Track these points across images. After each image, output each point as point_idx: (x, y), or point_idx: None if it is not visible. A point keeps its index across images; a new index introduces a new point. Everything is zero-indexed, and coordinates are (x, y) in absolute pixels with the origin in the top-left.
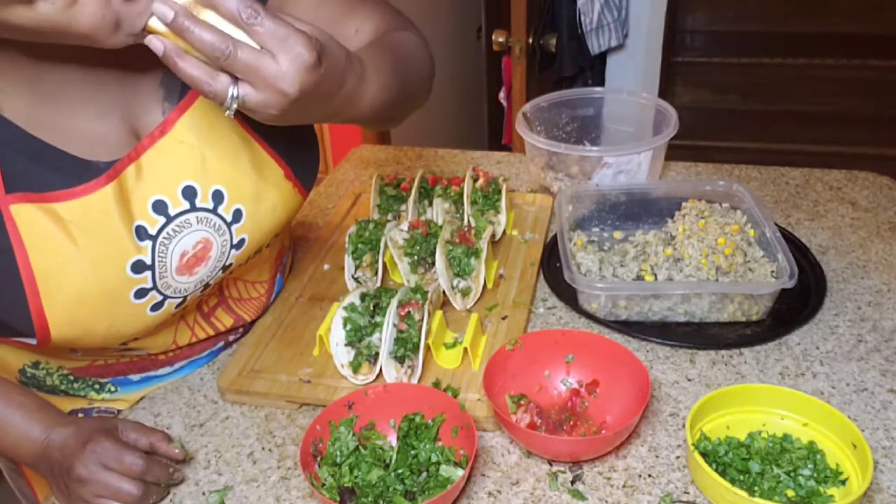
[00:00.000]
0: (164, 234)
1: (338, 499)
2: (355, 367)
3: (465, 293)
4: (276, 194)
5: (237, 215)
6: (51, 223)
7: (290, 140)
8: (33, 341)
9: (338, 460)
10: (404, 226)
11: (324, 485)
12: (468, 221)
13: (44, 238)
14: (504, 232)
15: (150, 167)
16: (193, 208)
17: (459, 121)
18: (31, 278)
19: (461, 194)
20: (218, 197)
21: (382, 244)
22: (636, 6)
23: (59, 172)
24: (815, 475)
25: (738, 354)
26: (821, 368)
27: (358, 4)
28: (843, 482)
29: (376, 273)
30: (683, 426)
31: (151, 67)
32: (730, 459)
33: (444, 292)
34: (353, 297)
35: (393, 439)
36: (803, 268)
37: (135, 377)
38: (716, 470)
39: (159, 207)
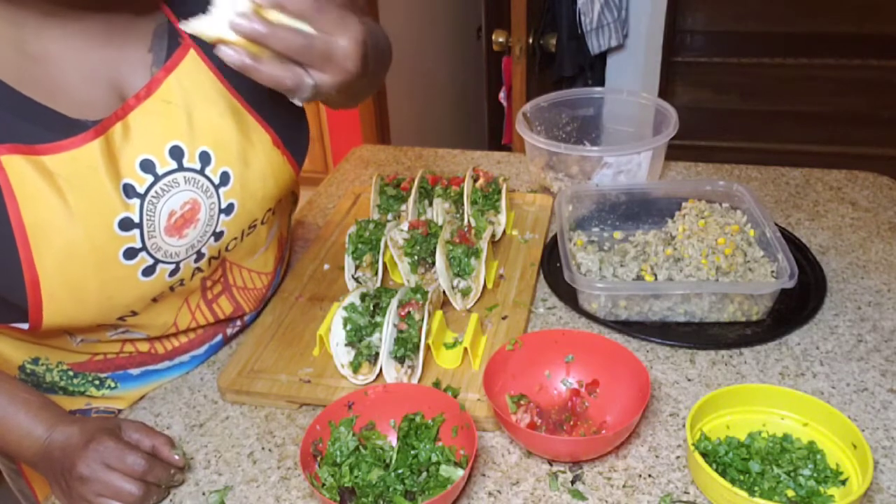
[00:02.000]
0: (152, 192)
1: (338, 499)
2: (355, 367)
3: (465, 293)
4: (264, 161)
5: (225, 178)
6: (39, 177)
7: (275, 107)
8: (25, 325)
9: (338, 460)
10: (404, 226)
11: (324, 485)
12: (468, 221)
13: (33, 191)
14: (504, 232)
15: (137, 127)
16: (181, 168)
17: (459, 121)
18: (22, 231)
19: (461, 194)
20: (205, 158)
21: (382, 244)
22: (636, 6)
23: (46, 128)
24: (815, 475)
25: (738, 354)
26: (821, 368)
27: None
28: (843, 482)
29: (376, 273)
30: (683, 426)
31: (140, 34)
32: (730, 459)
33: (444, 292)
34: (353, 297)
35: (393, 439)
36: (803, 268)
37: (134, 371)
38: (716, 470)
39: (147, 166)
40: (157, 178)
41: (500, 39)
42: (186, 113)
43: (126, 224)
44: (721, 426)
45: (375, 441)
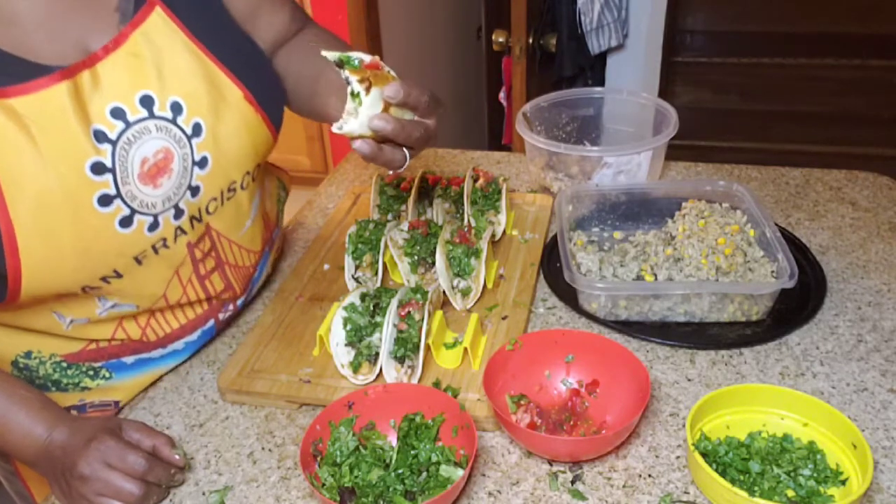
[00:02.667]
0: (123, 139)
1: (338, 499)
2: (355, 367)
3: (465, 293)
4: (237, 116)
5: (197, 129)
6: (8, 121)
7: (246, 65)
8: (3, 295)
9: (338, 460)
10: (404, 226)
11: (324, 485)
12: (468, 221)
13: (3, 134)
14: (504, 232)
15: (106, 76)
16: (152, 116)
17: (459, 121)
18: None
19: (461, 194)
20: (176, 108)
21: (382, 244)
22: (636, 6)
23: (12, 75)
24: (815, 475)
25: (738, 354)
26: (821, 368)
27: (265, 4)
28: (843, 482)
29: (376, 273)
30: (683, 426)
31: None
32: (730, 459)
33: (444, 292)
34: (353, 297)
35: (393, 439)
36: (803, 268)
37: (128, 360)
38: (716, 470)
39: (117, 113)
40: (128, 125)
41: (500, 39)
42: (155, 65)
43: (98, 168)
44: (721, 426)
45: (375, 441)
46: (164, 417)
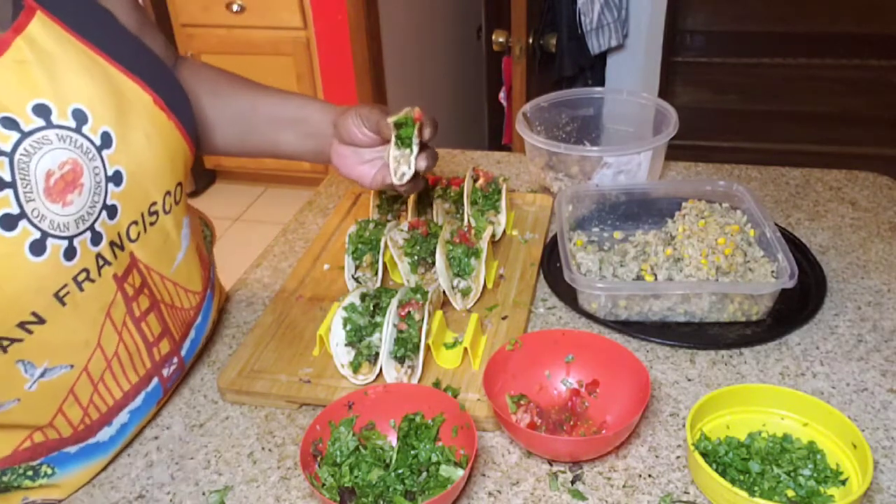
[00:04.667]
0: (20, 150)
1: (338, 499)
2: (355, 367)
3: (465, 293)
4: (148, 123)
5: (106, 139)
6: None
7: (145, 64)
8: None
9: (338, 460)
10: (404, 226)
11: (324, 485)
12: (468, 221)
13: None
14: (504, 232)
15: None
16: (50, 125)
17: (459, 121)
18: None
19: (461, 194)
20: (79, 116)
21: (382, 244)
22: (636, 6)
23: None
24: (815, 475)
25: (738, 354)
26: (821, 368)
27: (146, 27)
28: (843, 482)
29: (376, 273)
30: (683, 426)
31: None
32: (730, 459)
33: (444, 292)
34: (353, 297)
35: (393, 439)
36: (803, 268)
37: (71, 449)
38: (716, 470)
39: (8, 124)
40: (24, 135)
41: (500, 39)
42: (46, 72)
43: None
44: (721, 426)
45: (375, 441)
46: (164, 417)
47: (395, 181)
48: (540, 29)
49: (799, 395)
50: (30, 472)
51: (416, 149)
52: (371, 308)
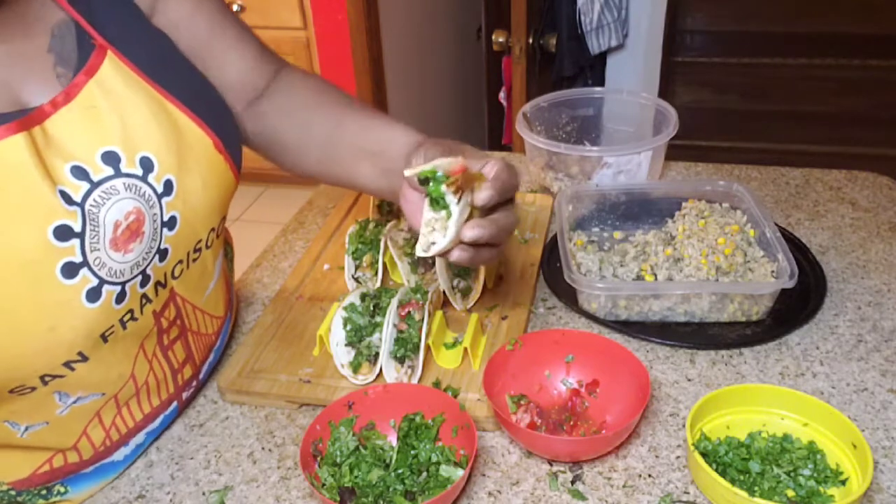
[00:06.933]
0: (90, 200)
1: (338, 499)
2: (355, 367)
3: (465, 293)
4: (206, 167)
5: (168, 187)
6: None
7: (206, 104)
8: None
9: (338, 460)
10: (404, 226)
11: (324, 485)
12: None
13: None
14: None
15: (60, 134)
16: (119, 174)
17: (459, 121)
18: None
19: None
20: (147, 164)
21: (382, 244)
22: (636, 6)
23: None
24: (815, 475)
25: (738, 354)
26: (821, 368)
27: (229, 29)
28: (843, 482)
29: (376, 273)
30: (683, 426)
31: (34, 31)
32: (730, 459)
33: (443, 292)
34: (353, 297)
35: (393, 439)
36: (803, 268)
37: (87, 469)
38: (716, 470)
39: (79, 174)
40: (94, 185)
41: (500, 39)
42: (117, 117)
43: (63, 233)
44: (721, 426)
45: (375, 441)
46: None
47: (420, 252)
48: (540, 29)
49: (799, 395)
50: (43, 492)
51: (457, 210)
52: (371, 308)
